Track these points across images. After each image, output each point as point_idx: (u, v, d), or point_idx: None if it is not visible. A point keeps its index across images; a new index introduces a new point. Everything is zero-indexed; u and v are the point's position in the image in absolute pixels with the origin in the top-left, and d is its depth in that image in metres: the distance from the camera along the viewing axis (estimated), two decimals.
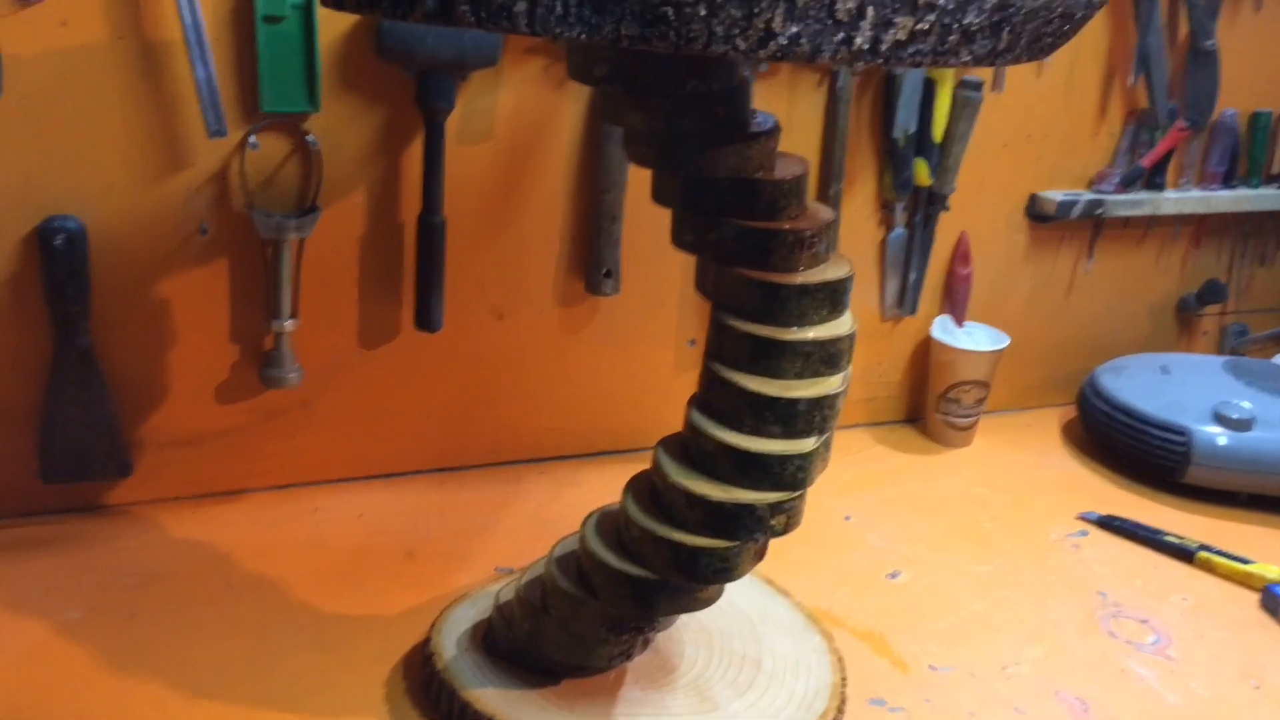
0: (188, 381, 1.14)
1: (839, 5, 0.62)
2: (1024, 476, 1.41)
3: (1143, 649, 1.07)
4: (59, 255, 1.02)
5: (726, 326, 0.82)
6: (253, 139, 1.07)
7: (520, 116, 1.17)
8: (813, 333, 0.81)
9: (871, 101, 1.32)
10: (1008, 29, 0.68)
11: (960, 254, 1.45)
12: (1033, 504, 1.34)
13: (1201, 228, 1.60)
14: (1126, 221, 1.53)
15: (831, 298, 0.82)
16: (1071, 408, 1.58)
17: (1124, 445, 1.41)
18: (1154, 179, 1.50)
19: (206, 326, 1.13)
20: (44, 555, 1.07)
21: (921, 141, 1.34)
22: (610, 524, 0.86)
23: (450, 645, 0.92)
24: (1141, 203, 1.49)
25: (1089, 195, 1.47)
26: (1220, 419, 1.34)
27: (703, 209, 0.82)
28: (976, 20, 0.66)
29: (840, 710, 0.90)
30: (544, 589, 0.88)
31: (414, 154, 1.14)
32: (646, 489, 0.85)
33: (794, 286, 0.80)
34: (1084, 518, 1.31)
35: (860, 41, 0.64)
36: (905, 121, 1.30)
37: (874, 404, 1.50)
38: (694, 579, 0.81)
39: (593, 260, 1.24)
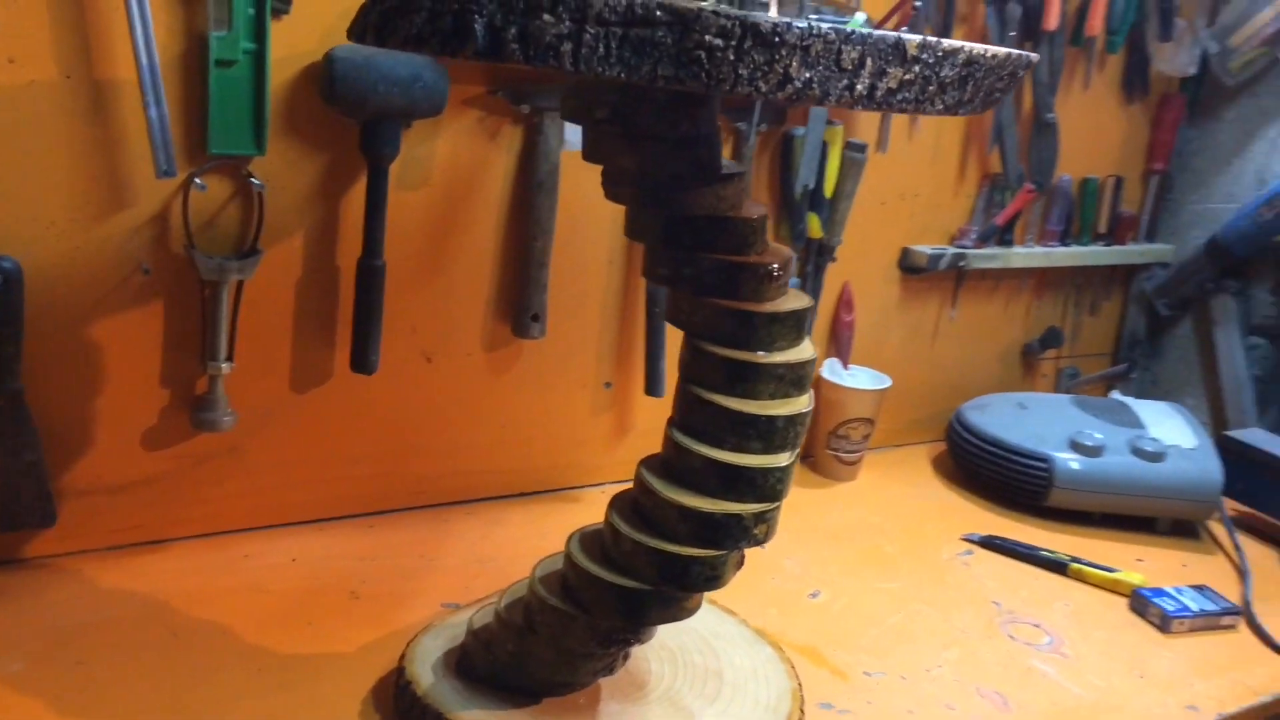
0: (115, 427, 1.11)
1: (844, 55, 0.71)
2: (909, 505, 1.53)
3: (1041, 649, 1.18)
4: None
5: (704, 352, 0.88)
6: (199, 180, 1.07)
7: (456, 165, 1.21)
8: (783, 357, 0.88)
9: (769, 160, 1.43)
10: (972, 83, 0.78)
11: (845, 302, 1.57)
12: (921, 529, 1.45)
13: (1042, 280, 1.79)
14: (983, 274, 1.69)
15: (797, 325, 0.90)
16: (939, 443, 1.72)
17: (992, 474, 1.55)
18: (1005, 236, 1.67)
19: (138, 370, 1.10)
20: None
21: (814, 197, 1.45)
22: (593, 542, 0.90)
23: (425, 673, 0.94)
24: (995, 257, 1.66)
25: (953, 249, 1.62)
26: (1076, 447, 1.50)
27: (680, 244, 0.89)
28: (950, 74, 0.76)
29: (802, 713, 0.97)
30: (528, 609, 0.91)
31: (353, 199, 1.16)
32: (630, 507, 0.89)
33: (765, 314, 0.88)
34: (967, 539, 1.43)
35: (861, 88, 0.72)
36: (806, 178, 1.41)
37: None
38: (685, 588, 0.86)
39: (521, 305, 1.28)
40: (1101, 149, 1.76)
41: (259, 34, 1.05)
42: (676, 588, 0.86)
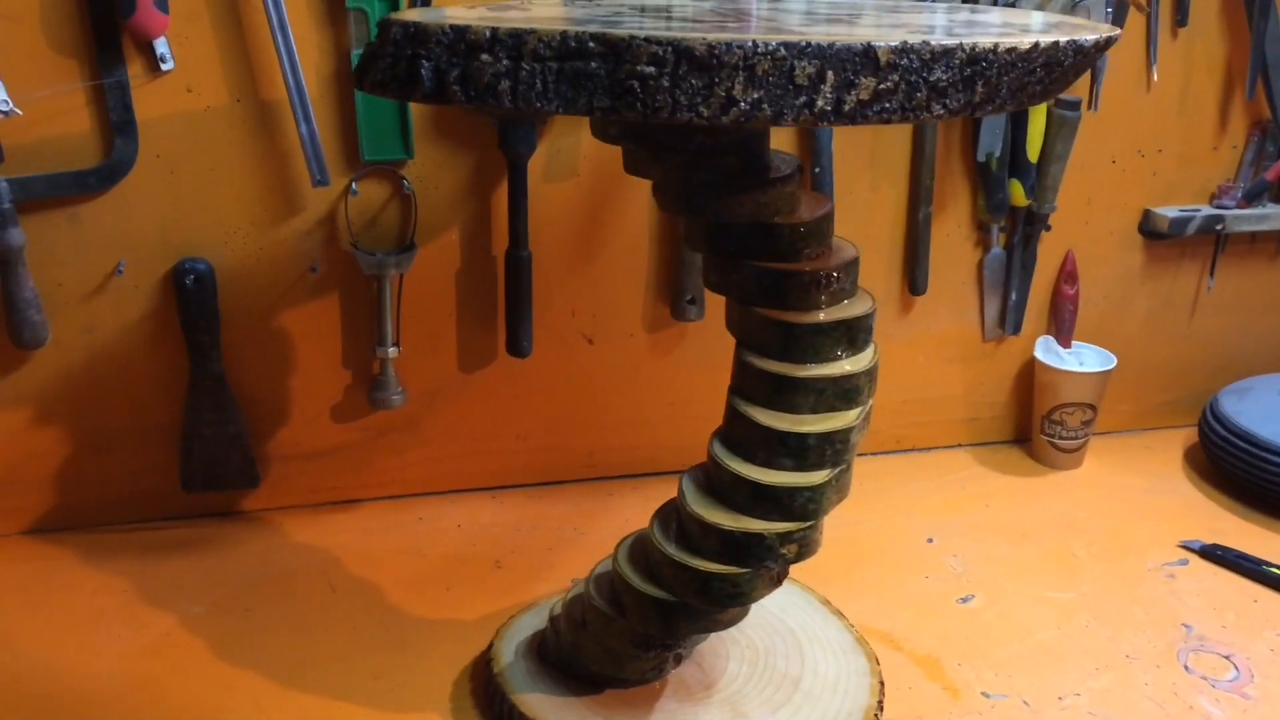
0: (307, 402, 1.26)
1: (798, 70, 0.66)
2: (1132, 501, 1.37)
3: (1218, 685, 1.04)
4: (190, 293, 1.16)
5: (747, 364, 0.86)
6: (353, 186, 1.18)
7: (601, 155, 1.24)
8: (826, 370, 0.84)
9: (961, 126, 1.32)
10: (981, 82, 0.70)
11: (1066, 273, 1.43)
12: (1135, 530, 1.30)
13: None
14: (1254, 237, 1.46)
15: (849, 335, 0.85)
16: (1194, 430, 1.53)
17: (1240, 471, 1.35)
18: None
19: (321, 353, 1.25)
20: (179, 556, 1.21)
21: (1016, 162, 1.32)
22: (640, 548, 0.92)
23: (509, 651, 1.00)
24: (1268, 217, 1.43)
25: (1207, 211, 1.41)
26: None
27: (724, 252, 0.87)
28: (945, 76, 0.68)
29: None
30: (582, 606, 0.94)
31: (502, 193, 1.22)
32: (671, 516, 0.90)
33: (807, 325, 0.84)
34: (1186, 546, 1.27)
35: (822, 104, 0.67)
36: (989, 145, 1.29)
37: (977, 424, 1.49)
38: (708, 603, 0.85)
39: (677, 288, 1.29)
40: None
41: None
42: (700, 602, 0.85)
